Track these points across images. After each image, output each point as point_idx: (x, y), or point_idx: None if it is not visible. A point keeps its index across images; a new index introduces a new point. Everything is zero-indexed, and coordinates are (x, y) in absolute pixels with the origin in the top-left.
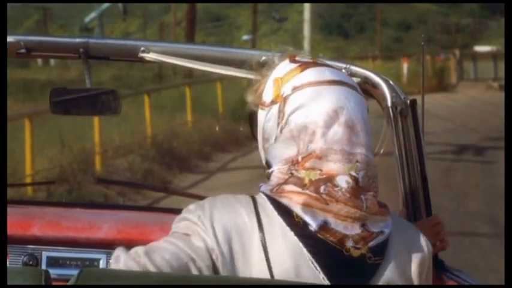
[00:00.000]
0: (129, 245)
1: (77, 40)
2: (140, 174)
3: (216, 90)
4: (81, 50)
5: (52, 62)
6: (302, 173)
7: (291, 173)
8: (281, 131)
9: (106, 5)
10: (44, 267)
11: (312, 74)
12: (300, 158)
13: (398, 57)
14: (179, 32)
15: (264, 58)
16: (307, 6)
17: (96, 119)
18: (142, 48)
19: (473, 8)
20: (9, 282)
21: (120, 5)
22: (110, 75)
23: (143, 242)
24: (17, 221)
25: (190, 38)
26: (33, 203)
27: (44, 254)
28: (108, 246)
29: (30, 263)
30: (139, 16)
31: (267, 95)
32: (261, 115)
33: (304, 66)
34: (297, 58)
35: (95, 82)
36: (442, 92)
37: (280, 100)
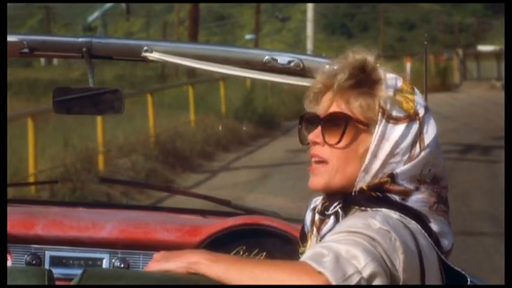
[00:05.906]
0: (132, 244)
1: (80, 39)
2: (143, 173)
3: (219, 89)
4: (84, 49)
5: (55, 61)
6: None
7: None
8: (419, 151)
9: (109, 4)
10: (47, 266)
11: (420, 95)
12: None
13: (402, 56)
14: (182, 31)
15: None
16: (310, 5)
17: (99, 119)
18: (145, 48)
19: (476, 8)
20: (12, 282)
21: (123, 4)
22: (113, 75)
23: (146, 242)
24: (20, 221)
25: (193, 38)
26: (36, 202)
27: (47, 254)
28: (111, 245)
29: (34, 262)
30: (142, 15)
31: (395, 109)
32: (393, 130)
33: (411, 82)
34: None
35: (98, 81)
36: (445, 91)
37: (418, 119)
